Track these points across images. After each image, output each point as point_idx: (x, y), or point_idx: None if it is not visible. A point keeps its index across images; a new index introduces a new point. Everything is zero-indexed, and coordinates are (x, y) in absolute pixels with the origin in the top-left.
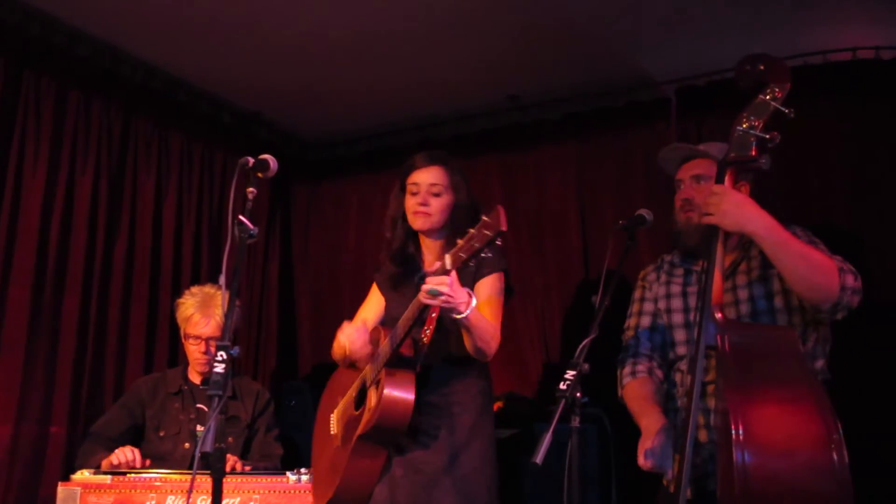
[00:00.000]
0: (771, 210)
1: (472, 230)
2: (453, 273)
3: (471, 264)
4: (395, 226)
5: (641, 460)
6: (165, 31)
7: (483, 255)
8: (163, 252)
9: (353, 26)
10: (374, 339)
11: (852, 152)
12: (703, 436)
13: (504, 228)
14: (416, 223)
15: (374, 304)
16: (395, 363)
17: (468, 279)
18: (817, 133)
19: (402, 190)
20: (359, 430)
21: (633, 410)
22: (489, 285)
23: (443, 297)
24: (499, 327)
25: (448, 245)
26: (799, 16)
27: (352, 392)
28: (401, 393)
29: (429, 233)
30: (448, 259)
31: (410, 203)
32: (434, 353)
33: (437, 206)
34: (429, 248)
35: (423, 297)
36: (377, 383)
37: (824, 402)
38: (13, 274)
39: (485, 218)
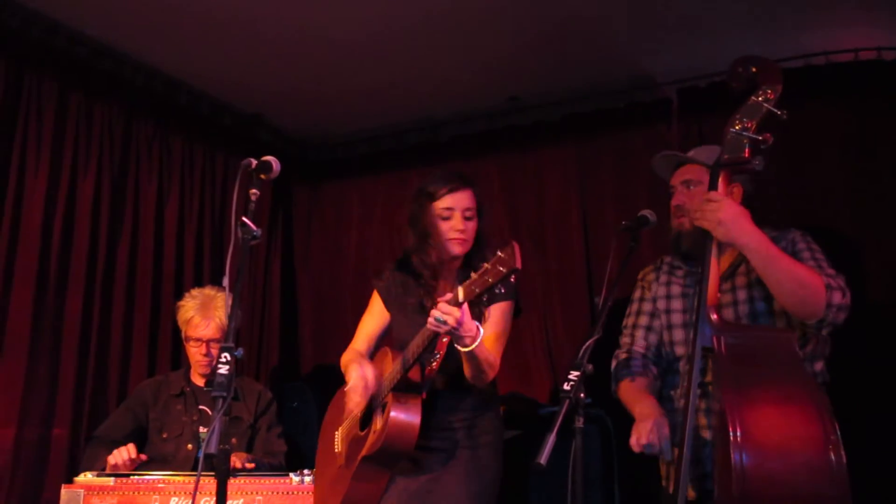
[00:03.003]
0: (771, 210)
1: (486, 264)
2: (465, 306)
3: (483, 299)
4: (425, 247)
5: (633, 441)
6: (166, 33)
7: (496, 290)
8: (165, 254)
9: (354, 28)
10: (379, 359)
11: (853, 152)
12: (706, 436)
13: (519, 266)
14: (455, 250)
15: (376, 316)
16: (403, 388)
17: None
18: (819, 133)
19: (424, 206)
20: (363, 452)
21: (628, 401)
22: (502, 314)
23: (447, 327)
24: (499, 358)
25: (464, 269)
26: (801, 17)
27: (357, 412)
28: (407, 418)
29: (455, 258)
30: (461, 292)
31: (444, 227)
32: (442, 377)
33: (472, 232)
34: (448, 267)
35: (430, 324)
36: (383, 407)
37: (821, 402)
38: (16, 276)
39: (500, 253)
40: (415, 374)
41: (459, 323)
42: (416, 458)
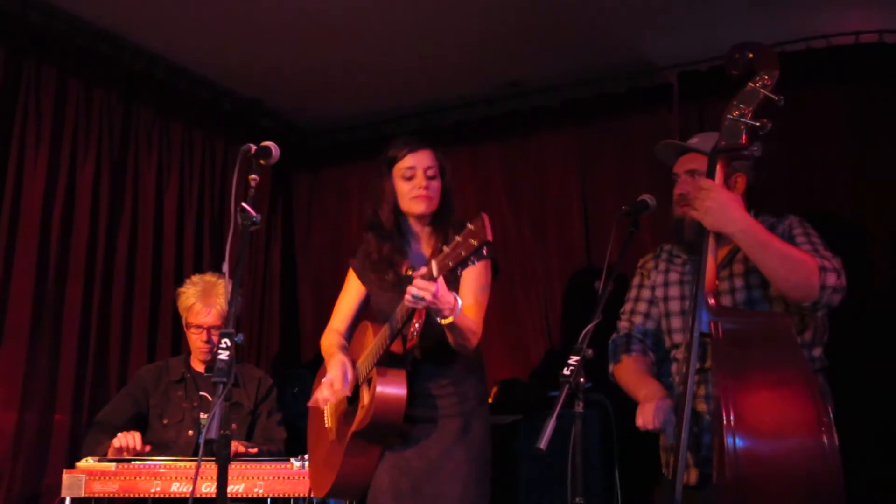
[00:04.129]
0: (772, 195)
1: (457, 237)
2: (440, 279)
3: (458, 272)
4: (386, 209)
5: (640, 422)
6: (166, 18)
7: (469, 262)
8: (165, 240)
9: (355, 14)
10: (359, 333)
11: (855, 136)
12: (706, 422)
13: (490, 238)
14: (420, 207)
15: (352, 293)
16: (386, 361)
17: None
18: (820, 117)
19: (387, 172)
20: (353, 428)
21: (630, 383)
22: (476, 277)
23: (425, 303)
24: (481, 322)
25: (436, 232)
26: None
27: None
28: (393, 390)
29: (421, 217)
30: (434, 266)
31: (407, 188)
32: (424, 347)
33: (436, 189)
34: (419, 231)
35: (406, 301)
36: (369, 381)
37: (815, 386)
38: (16, 263)
39: (470, 226)
40: (397, 347)
41: (436, 297)
42: (404, 430)
